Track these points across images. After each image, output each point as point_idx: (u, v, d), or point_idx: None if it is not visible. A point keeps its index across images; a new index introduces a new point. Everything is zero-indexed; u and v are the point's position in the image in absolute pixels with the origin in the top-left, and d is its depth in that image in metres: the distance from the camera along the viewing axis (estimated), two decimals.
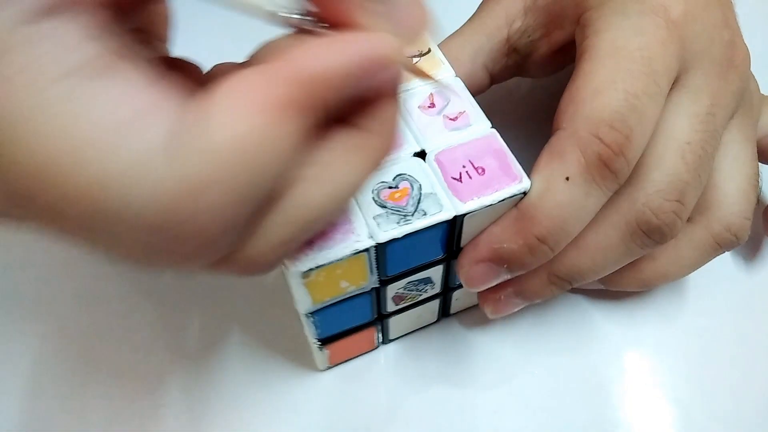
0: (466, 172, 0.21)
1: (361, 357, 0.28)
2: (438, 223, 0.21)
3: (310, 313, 0.22)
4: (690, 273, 0.27)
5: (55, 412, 0.26)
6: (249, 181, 0.13)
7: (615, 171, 0.21)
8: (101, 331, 0.28)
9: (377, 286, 0.23)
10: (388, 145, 0.16)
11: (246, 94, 0.13)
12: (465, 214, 0.21)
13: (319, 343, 0.25)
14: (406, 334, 0.28)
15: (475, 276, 0.23)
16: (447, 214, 0.21)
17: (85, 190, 0.12)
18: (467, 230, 0.22)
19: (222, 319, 0.29)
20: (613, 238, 0.23)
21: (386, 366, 0.28)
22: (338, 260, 0.20)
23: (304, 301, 0.21)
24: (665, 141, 0.22)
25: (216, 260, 0.15)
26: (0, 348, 0.28)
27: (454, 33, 0.28)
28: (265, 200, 0.14)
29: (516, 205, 0.22)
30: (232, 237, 0.14)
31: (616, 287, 0.27)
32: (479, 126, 0.23)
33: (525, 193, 0.21)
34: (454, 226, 0.21)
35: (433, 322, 0.28)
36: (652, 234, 0.22)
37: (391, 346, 0.28)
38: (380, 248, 0.20)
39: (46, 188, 0.13)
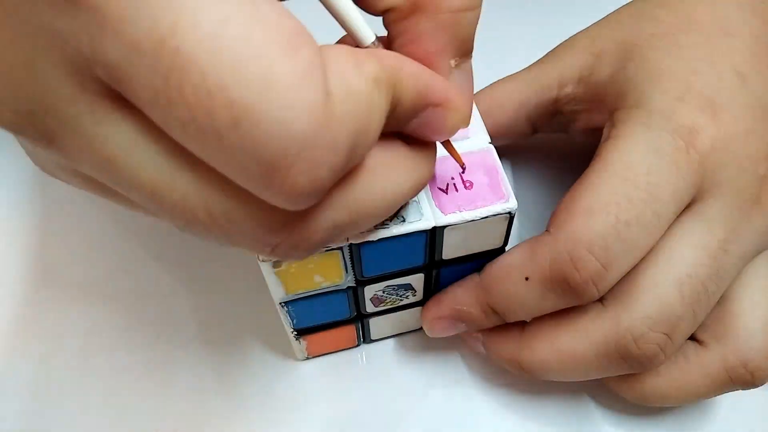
0: (454, 184, 0.21)
1: (342, 352, 0.28)
2: (416, 232, 0.20)
3: (284, 303, 0.22)
4: (696, 401, 0.25)
5: (55, 413, 0.27)
6: (356, 130, 0.13)
7: (578, 293, 0.20)
8: (98, 330, 0.29)
9: (353, 285, 0.23)
10: (429, 171, 0.18)
11: (358, 58, 0.14)
12: (445, 227, 0.21)
13: (295, 333, 0.25)
14: (389, 337, 0.28)
15: (436, 328, 0.25)
16: (426, 224, 0.20)
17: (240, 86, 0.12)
18: (450, 243, 0.22)
19: (208, 308, 0.29)
20: (588, 351, 0.22)
21: (366, 364, 0.28)
22: None
23: (276, 291, 0.22)
24: (664, 267, 0.21)
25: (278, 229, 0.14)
26: (1, 347, 0.29)
27: (506, 78, 0.28)
28: (349, 164, 0.14)
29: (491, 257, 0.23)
30: (316, 195, 0.14)
31: (612, 389, 0.25)
32: (477, 140, 0.22)
33: (511, 214, 0.21)
34: (433, 236, 0.21)
35: (417, 328, 0.28)
36: (629, 361, 0.21)
37: (373, 346, 0.28)
38: (354, 249, 0.20)
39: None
